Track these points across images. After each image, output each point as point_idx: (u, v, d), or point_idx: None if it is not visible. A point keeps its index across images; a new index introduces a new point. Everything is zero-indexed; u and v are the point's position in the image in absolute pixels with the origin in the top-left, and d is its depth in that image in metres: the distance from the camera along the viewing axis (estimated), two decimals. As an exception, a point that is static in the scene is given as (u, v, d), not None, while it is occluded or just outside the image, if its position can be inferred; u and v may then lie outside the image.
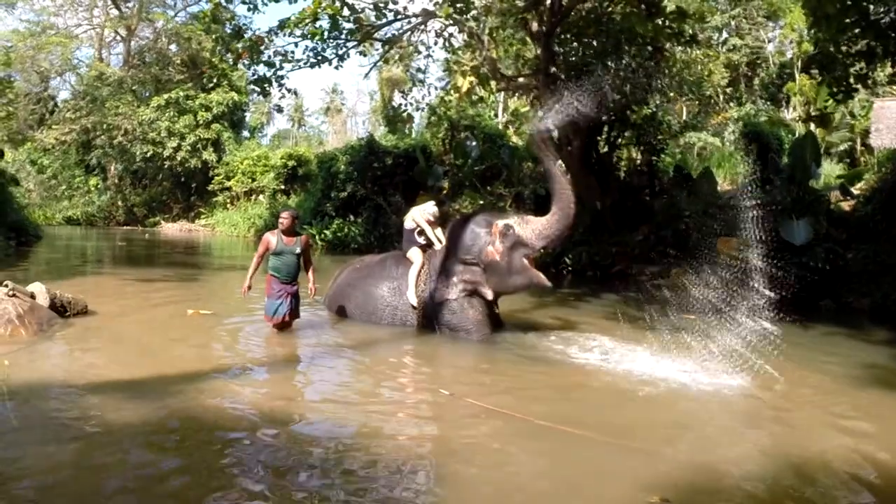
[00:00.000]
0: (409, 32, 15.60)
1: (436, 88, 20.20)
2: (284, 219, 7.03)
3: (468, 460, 3.90)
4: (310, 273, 7.17)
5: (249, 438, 4.04)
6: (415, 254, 7.73)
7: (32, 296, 6.91)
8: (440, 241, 7.79)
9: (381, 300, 7.72)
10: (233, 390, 5.15)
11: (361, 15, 13.63)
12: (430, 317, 7.44)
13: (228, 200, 32.65)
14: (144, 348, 6.11)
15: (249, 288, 7.00)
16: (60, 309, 7.14)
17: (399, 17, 14.19)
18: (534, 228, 7.14)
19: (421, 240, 7.83)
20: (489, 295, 7.16)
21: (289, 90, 14.47)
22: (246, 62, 13.57)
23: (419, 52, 17.33)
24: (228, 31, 12.93)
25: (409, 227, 7.91)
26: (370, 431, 4.27)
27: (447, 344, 7.09)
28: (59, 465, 3.51)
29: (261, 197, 31.30)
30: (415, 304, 7.51)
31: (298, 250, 7.00)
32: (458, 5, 12.33)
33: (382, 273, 7.93)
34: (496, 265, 7.13)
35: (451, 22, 13.90)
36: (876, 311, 10.73)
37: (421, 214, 7.91)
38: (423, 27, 15.25)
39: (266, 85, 13.82)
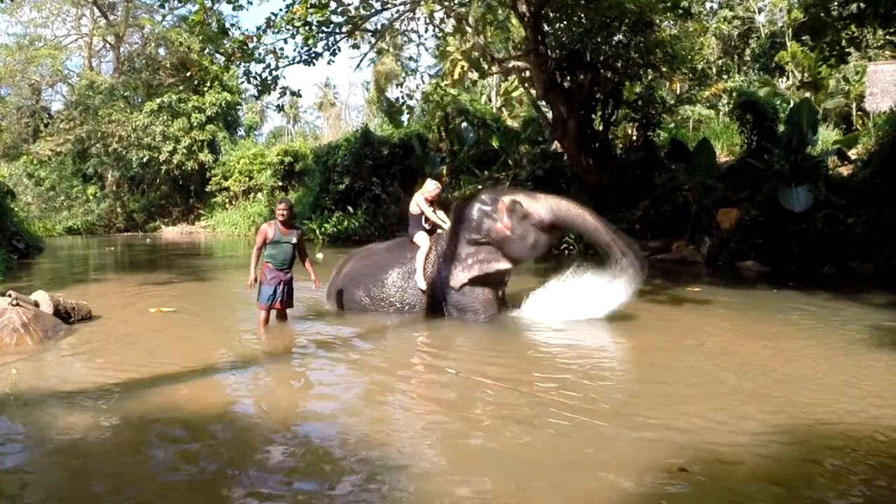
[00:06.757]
0: (398, 21, 15.52)
1: (429, 76, 20.07)
2: (283, 210, 7.06)
3: (485, 437, 3.93)
4: (307, 265, 7.22)
5: (263, 431, 4.07)
6: (421, 238, 7.73)
7: (36, 304, 6.93)
8: (445, 223, 7.79)
9: (392, 286, 7.75)
10: (242, 385, 5.17)
11: (350, 7, 13.55)
12: (438, 300, 7.50)
13: (227, 200, 32.66)
14: (150, 350, 6.12)
15: (255, 280, 7.01)
16: (65, 315, 7.15)
17: (386, 6, 14.11)
18: (543, 204, 7.19)
19: (427, 224, 7.84)
20: (508, 265, 7.22)
21: (293, 92, 14.42)
22: (237, 63, 13.45)
23: (410, 41, 17.25)
24: (214, 29, 12.84)
25: (415, 211, 7.91)
26: (384, 416, 4.31)
27: (454, 327, 7.15)
28: (76, 470, 3.51)
29: (259, 195, 31.30)
30: (424, 288, 7.54)
31: (294, 240, 7.09)
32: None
33: (391, 259, 7.95)
34: (508, 240, 7.17)
35: (439, 8, 13.81)
36: (879, 275, 10.72)
37: (423, 193, 7.89)
38: (411, 14, 15.16)
39: (266, 87, 13.72)
